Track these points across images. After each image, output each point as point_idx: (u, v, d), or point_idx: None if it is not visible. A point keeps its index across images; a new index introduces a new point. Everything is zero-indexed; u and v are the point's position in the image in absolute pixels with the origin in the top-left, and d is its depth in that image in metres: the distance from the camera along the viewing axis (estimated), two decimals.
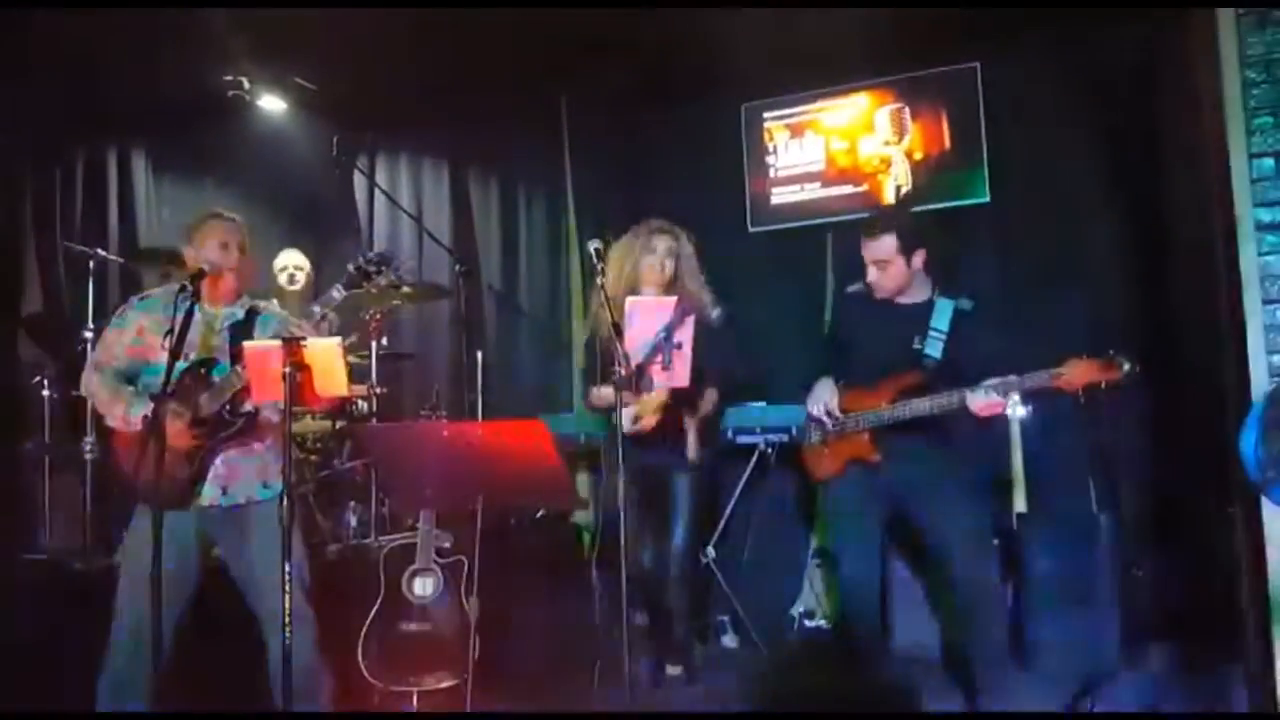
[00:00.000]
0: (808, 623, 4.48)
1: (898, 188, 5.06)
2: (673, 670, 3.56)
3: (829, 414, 3.29)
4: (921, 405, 3.13)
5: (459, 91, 5.39)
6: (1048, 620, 3.67)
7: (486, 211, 5.83)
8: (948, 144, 4.97)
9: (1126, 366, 2.91)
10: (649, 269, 3.55)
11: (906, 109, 5.07)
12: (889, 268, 3.24)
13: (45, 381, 4.38)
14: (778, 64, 5.01)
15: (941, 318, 3.21)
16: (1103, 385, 2.93)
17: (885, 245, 3.24)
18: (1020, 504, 4.30)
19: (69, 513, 4.28)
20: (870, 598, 3.34)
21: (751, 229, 5.36)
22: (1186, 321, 4.21)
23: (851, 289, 3.47)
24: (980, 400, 3.01)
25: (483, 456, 2.42)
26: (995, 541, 3.69)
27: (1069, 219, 4.63)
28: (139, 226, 5.36)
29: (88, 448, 4.17)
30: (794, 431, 4.29)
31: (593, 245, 2.98)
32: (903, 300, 3.30)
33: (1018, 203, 4.78)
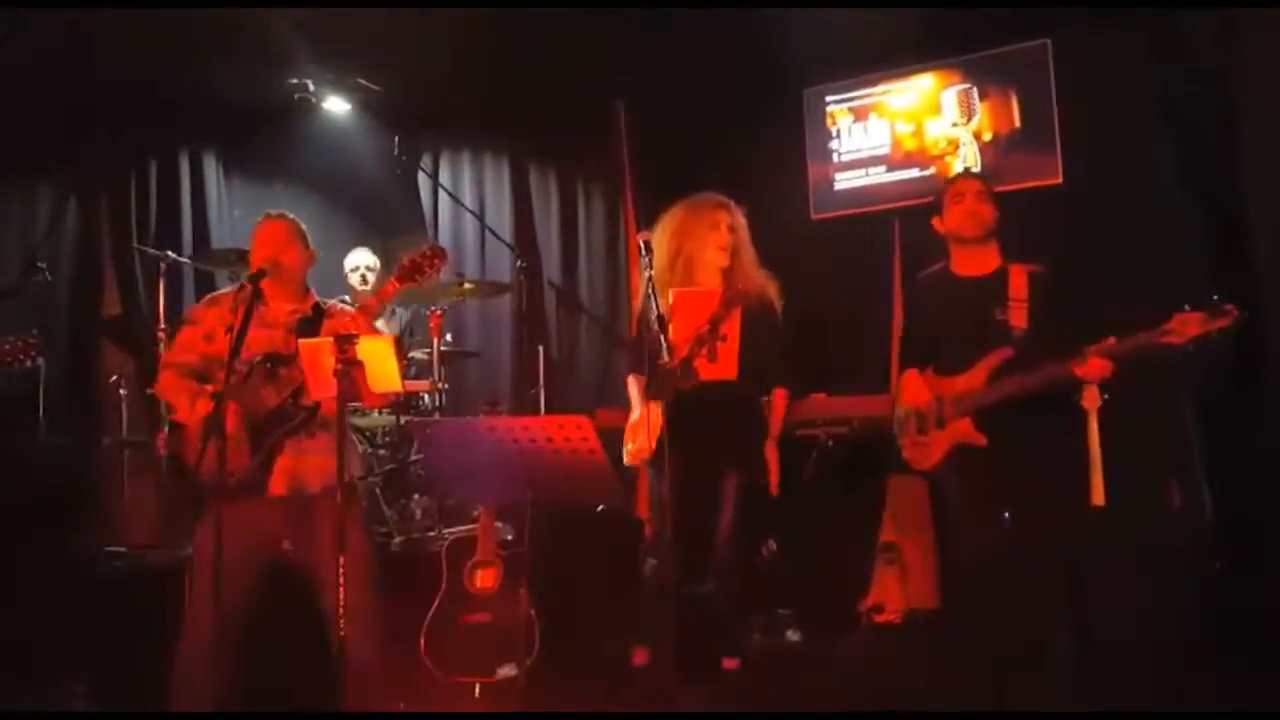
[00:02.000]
0: (876, 618, 4.39)
1: (966, 169, 4.92)
2: (729, 663, 3.51)
3: (925, 406, 3.23)
4: (1025, 381, 3.01)
5: (519, 87, 5.43)
6: (1117, 620, 3.52)
7: (546, 208, 5.86)
8: (1018, 124, 4.82)
9: (1236, 312, 2.75)
10: (714, 247, 3.36)
11: (974, 89, 4.93)
12: (983, 202, 3.19)
13: (122, 380, 4.54)
14: (840, 46, 4.91)
15: (1018, 285, 3.14)
16: (1214, 333, 2.77)
17: (975, 183, 3.26)
18: (1097, 497, 4.14)
19: (145, 506, 4.43)
20: (984, 585, 3.22)
21: (814, 215, 5.27)
22: (1268, 315, 4.00)
23: (925, 272, 3.39)
24: (1085, 366, 2.92)
25: (529, 451, 2.42)
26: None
27: (1145, 203, 4.42)
28: (211, 227, 5.51)
29: (161, 443, 4.31)
30: (855, 423, 4.22)
31: (642, 237, 2.93)
32: (977, 273, 3.22)
33: (1092, 185, 4.60)
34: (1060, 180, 4.68)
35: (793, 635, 4.24)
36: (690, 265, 3.32)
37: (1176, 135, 4.35)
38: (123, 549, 4.27)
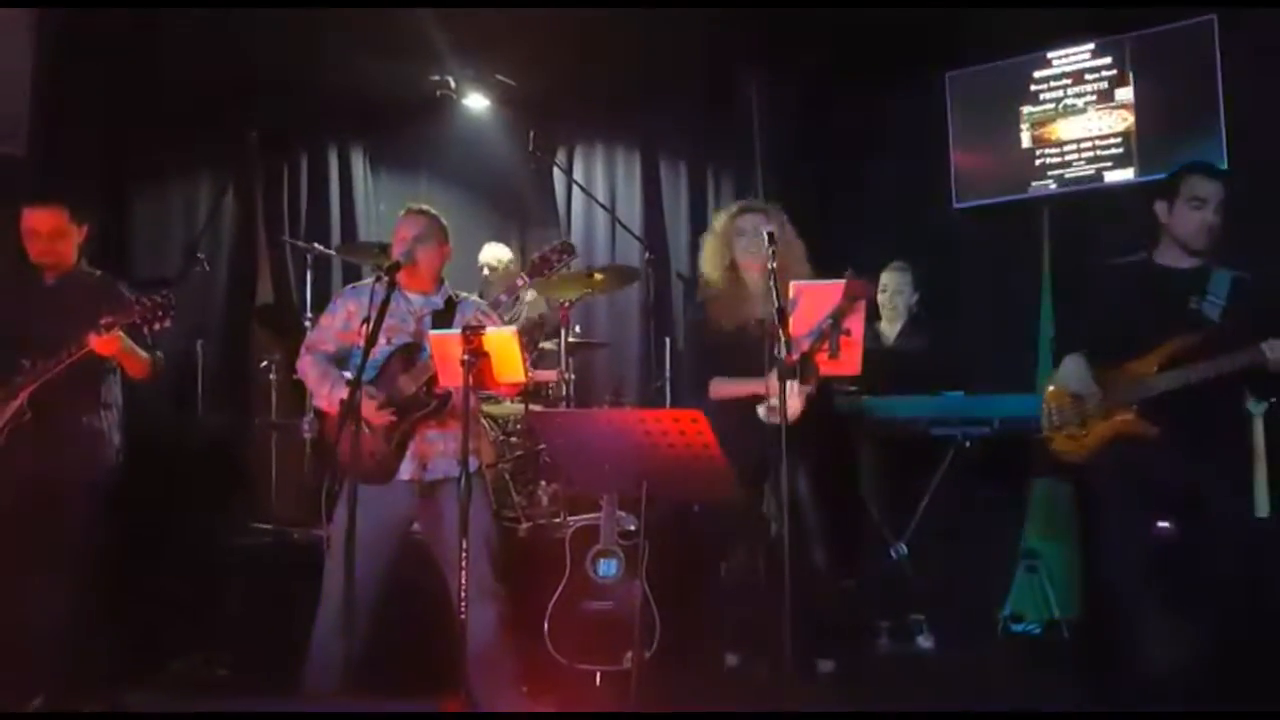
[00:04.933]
0: (1014, 627, 4.20)
1: (1122, 155, 4.62)
2: (824, 665, 3.43)
3: (1089, 392, 3.14)
4: (1203, 369, 2.92)
5: (650, 80, 5.43)
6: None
7: (676, 199, 5.86)
8: (1179, 106, 4.49)
9: None
10: (744, 251, 3.36)
11: (1131, 69, 4.62)
12: (1220, 213, 3.07)
13: (272, 365, 4.78)
14: (986, 25, 4.70)
15: (1219, 287, 3.03)
16: None
17: (1216, 187, 3.10)
18: (1261, 508, 3.84)
19: (291, 486, 4.65)
20: (1131, 597, 3.09)
21: (955, 204, 5.06)
22: None
23: (1124, 260, 3.27)
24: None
25: (644, 444, 2.41)
26: None
27: None
28: (358, 220, 5.75)
29: (306, 426, 4.50)
30: (996, 424, 4.03)
31: (765, 229, 2.89)
32: (1179, 265, 3.12)
33: (1259, 170, 4.24)
34: (1225, 166, 4.33)
35: (924, 641, 4.11)
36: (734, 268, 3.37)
37: None
38: (268, 526, 4.49)
